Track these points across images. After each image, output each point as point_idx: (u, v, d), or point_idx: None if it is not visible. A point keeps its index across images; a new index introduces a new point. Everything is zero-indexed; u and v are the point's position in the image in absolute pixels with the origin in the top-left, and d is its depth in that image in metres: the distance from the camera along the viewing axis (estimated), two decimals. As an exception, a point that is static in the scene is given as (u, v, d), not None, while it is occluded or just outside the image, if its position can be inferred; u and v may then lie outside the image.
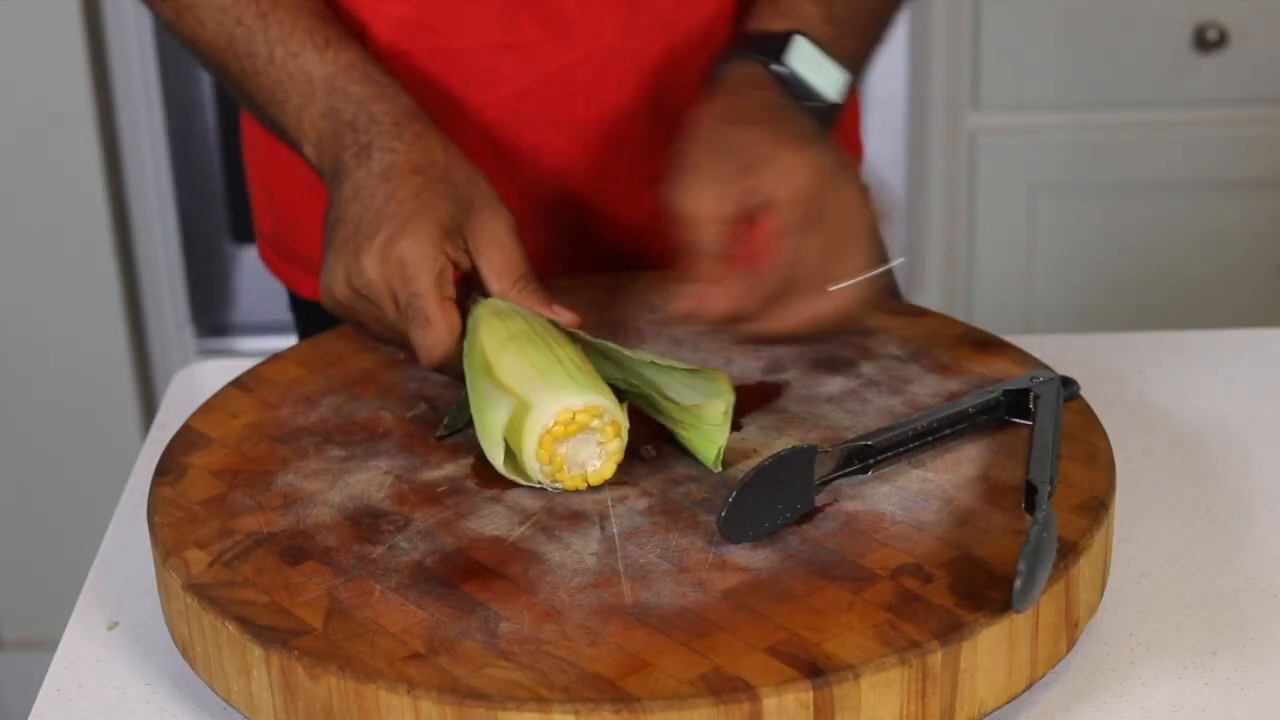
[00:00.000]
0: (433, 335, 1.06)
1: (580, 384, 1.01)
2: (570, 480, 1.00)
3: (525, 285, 1.08)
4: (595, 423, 1.00)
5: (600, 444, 1.00)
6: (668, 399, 1.05)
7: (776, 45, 1.16)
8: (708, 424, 1.03)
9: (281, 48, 1.17)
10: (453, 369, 1.07)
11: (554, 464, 1.00)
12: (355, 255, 1.08)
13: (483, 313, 1.07)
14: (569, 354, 1.04)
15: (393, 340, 1.11)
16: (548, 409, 1.00)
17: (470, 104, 1.25)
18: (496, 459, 1.02)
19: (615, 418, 1.01)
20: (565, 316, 1.07)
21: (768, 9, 1.19)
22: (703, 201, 1.04)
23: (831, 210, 1.04)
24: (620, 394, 1.05)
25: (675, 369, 1.06)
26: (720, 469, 1.02)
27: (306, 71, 1.16)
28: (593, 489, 1.01)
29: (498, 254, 1.09)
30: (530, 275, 1.09)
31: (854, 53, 1.20)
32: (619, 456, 1.01)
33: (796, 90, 1.14)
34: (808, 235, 1.03)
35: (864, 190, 1.05)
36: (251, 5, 1.17)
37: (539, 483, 1.01)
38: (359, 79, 1.15)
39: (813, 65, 1.15)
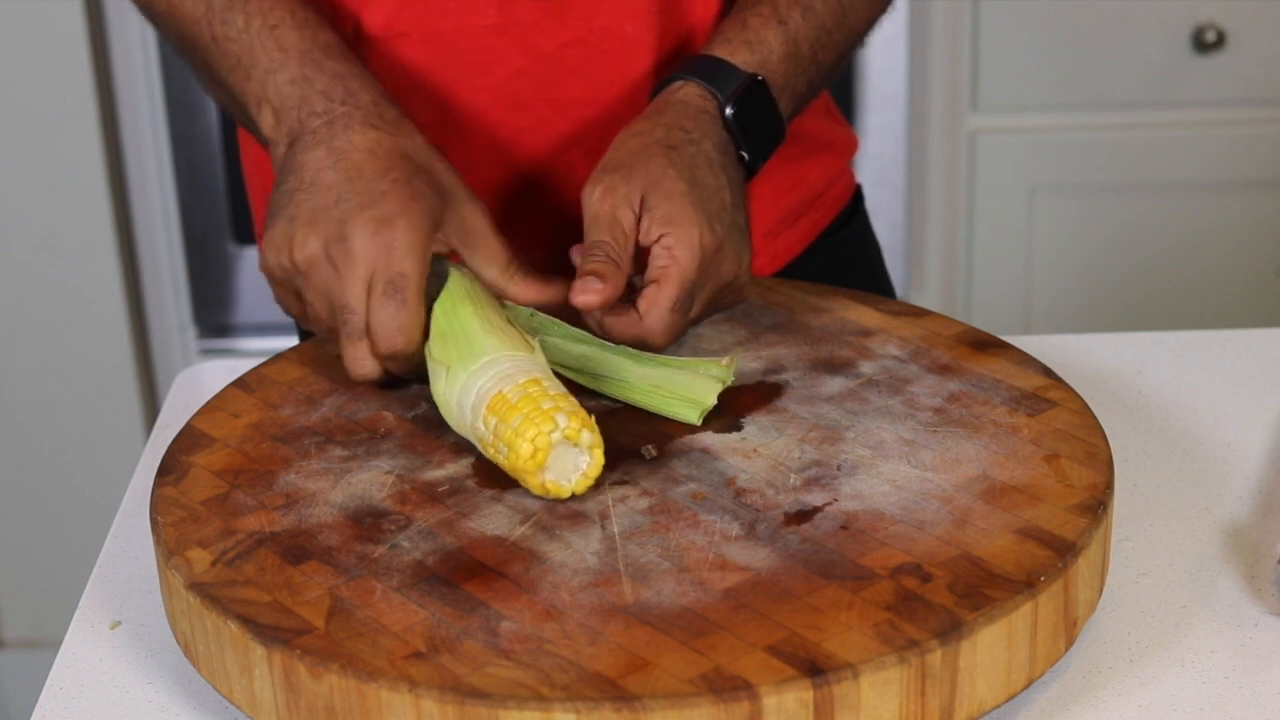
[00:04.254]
0: (404, 318, 1.06)
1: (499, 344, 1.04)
2: (572, 489, 1.00)
3: (515, 270, 1.11)
4: (559, 421, 0.99)
5: (574, 445, 1.00)
6: (649, 365, 1.10)
7: (734, 84, 1.17)
8: (708, 372, 1.09)
9: (260, 19, 1.17)
10: (403, 362, 1.08)
11: (550, 491, 1.00)
12: (340, 222, 1.07)
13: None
14: (486, 316, 1.06)
15: (320, 324, 1.10)
16: (478, 379, 1.03)
17: (466, 85, 1.25)
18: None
19: (536, 375, 1.02)
20: (552, 292, 1.11)
21: (734, 29, 1.20)
22: (608, 205, 1.11)
23: (710, 280, 1.12)
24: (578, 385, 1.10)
25: (661, 361, 1.11)
26: (699, 422, 1.08)
27: (282, 42, 1.16)
28: (594, 488, 1.01)
29: (483, 245, 1.11)
30: (516, 261, 1.11)
31: (803, 95, 1.23)
32: (599, 443, 1.00)
33: (735, 139, 1.17)
34: (685, 294, 1.10)
35: (743, 255, 1.14)
36: None
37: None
38: (336, 56, 1.15)
39: (758, 121, 1.18)
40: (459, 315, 1.06)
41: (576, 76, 1.25)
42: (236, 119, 1.22)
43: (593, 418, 1.01)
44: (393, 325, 1.06)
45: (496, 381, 1.02)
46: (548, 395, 1.01)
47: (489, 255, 1.11)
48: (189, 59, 1.23)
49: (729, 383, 1.10)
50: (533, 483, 1.00)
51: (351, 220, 1.07)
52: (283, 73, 1.15)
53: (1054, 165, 2.32)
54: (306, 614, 0.92)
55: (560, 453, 0.99)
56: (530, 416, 0.99)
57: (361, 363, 1.08)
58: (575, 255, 1.14)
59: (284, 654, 0.89)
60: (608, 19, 1.24)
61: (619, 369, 1.10)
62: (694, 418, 1.08)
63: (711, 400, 1.08)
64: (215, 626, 0.93)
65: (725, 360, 1.11)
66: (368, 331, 1.07)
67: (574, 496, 1.00)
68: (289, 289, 1.11)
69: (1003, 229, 2.35)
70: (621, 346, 1.11)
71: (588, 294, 1.08)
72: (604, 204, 1.11)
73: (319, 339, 1.18)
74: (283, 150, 1.13)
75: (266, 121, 1.15)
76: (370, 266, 1.06)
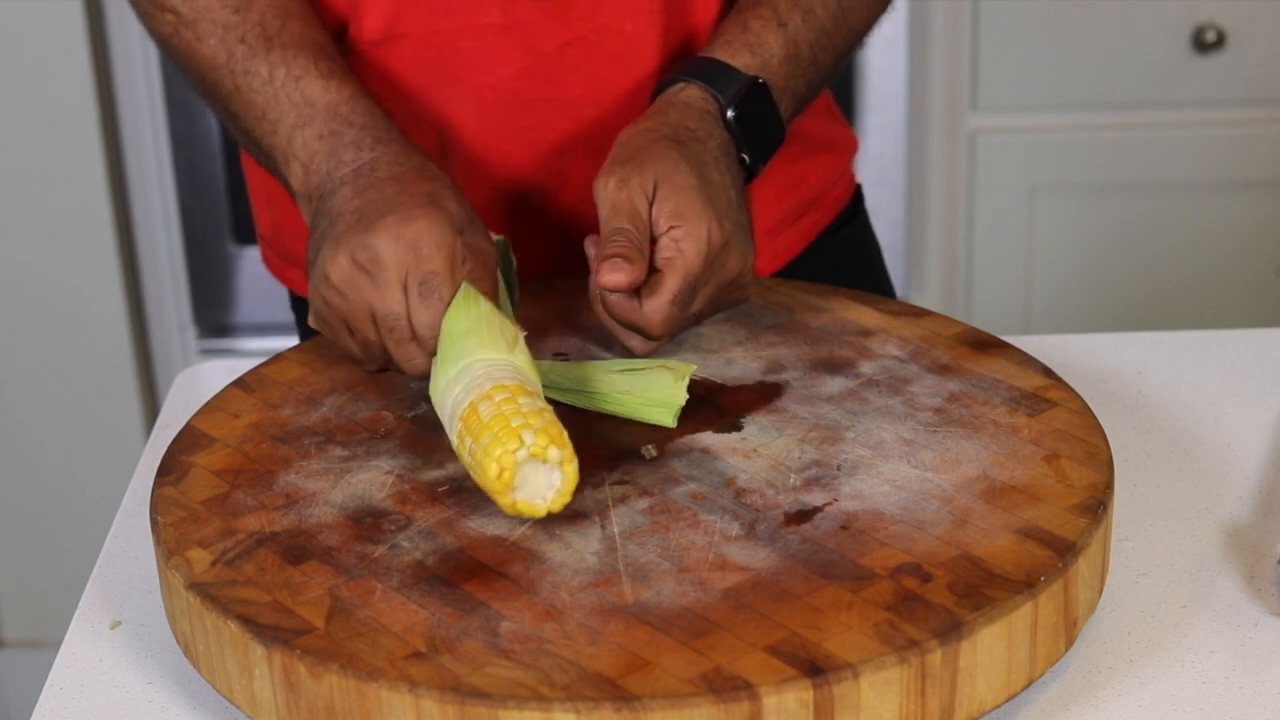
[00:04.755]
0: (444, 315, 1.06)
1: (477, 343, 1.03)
2: (548, 508, 0.98)
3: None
4: (525, 438, 0.97)
5: (543, 462, 0.97)
6: (615, 371, 1.10)
7: (735, 87, 1.17)
8: (671, 370, 1.09)
9: (283, 70, 1.17)
10: None
11: (523, 511, 0.97)
12: (364, 233, 1.08)
13: None
14: (473, 313, 1.05)
15: (373, 349, 1.10)
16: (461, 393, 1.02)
17: (469, 85, 1.25)
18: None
19: (506, 382, 1.01)
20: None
21: (734, 31, 1.20)
22: (625, 194, 1.11)
23: (714, 276, 1.12)
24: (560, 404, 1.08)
25: (624, 366, 1.11)
26: (675, 424, 1.08)
27: (308, 96, 1.16)
28: (593, 489, 1.01)
29: (482, 273, 1.09)
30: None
31: (803, 97, 1.24)
32: (570, 458, 0.97)
33: (736, 140, 1.18)
34: (687, 287, 1.10)
35: (748, 254, 1.14)
36: (256, 27, 1.18)
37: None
38: (362, 111, 1.16)
39: (758, 123, 1.19)
40: (454, 319, 1.06)
41: (578, 76, 1.25)
42: (261, 164, 1.21)
43: (566, 433, 0.98)
44: (436, 326, 1.06)
45: (466, 391, 1.02)
46: (519, 412, 0.99)
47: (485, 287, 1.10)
48: (209, 101, 1.22)
49: (692, 373, 1.10)
50: (503, 503, 0.97)
51: (374, 228, 1.08)
52: (310, 128, 1.15)
53: (1054, 165, 2.32)
54: (306, 614, 0.92)
55: (530, 471, 0.97)
56: (498, 435, 0.97)
57: (415, 363, 1.08)
58: (590, 246, 1.14)
59: (284, 654, 0.89)
60: (609, 17, 1.24)
61: (586, 380, 1.10)
62: (669, 420, 1.07)
63: (682, 398, 1.08)
64: (215, 626, 0.93)
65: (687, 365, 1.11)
66: (413, 334, 1.07)
67: (570, 499, 1.00)
68: (338, 324, 1.10)
69: (1003, 229, 2.35)
70: (582, 362, 1.12)
71: (616, 273, 1.08)
72: (621, 193, 1.11)
73: (319, 339, 1.18)
74: (315, 205, 1.14)
75: (295, 176, 1.16)
76: (402, 268, 1.07)
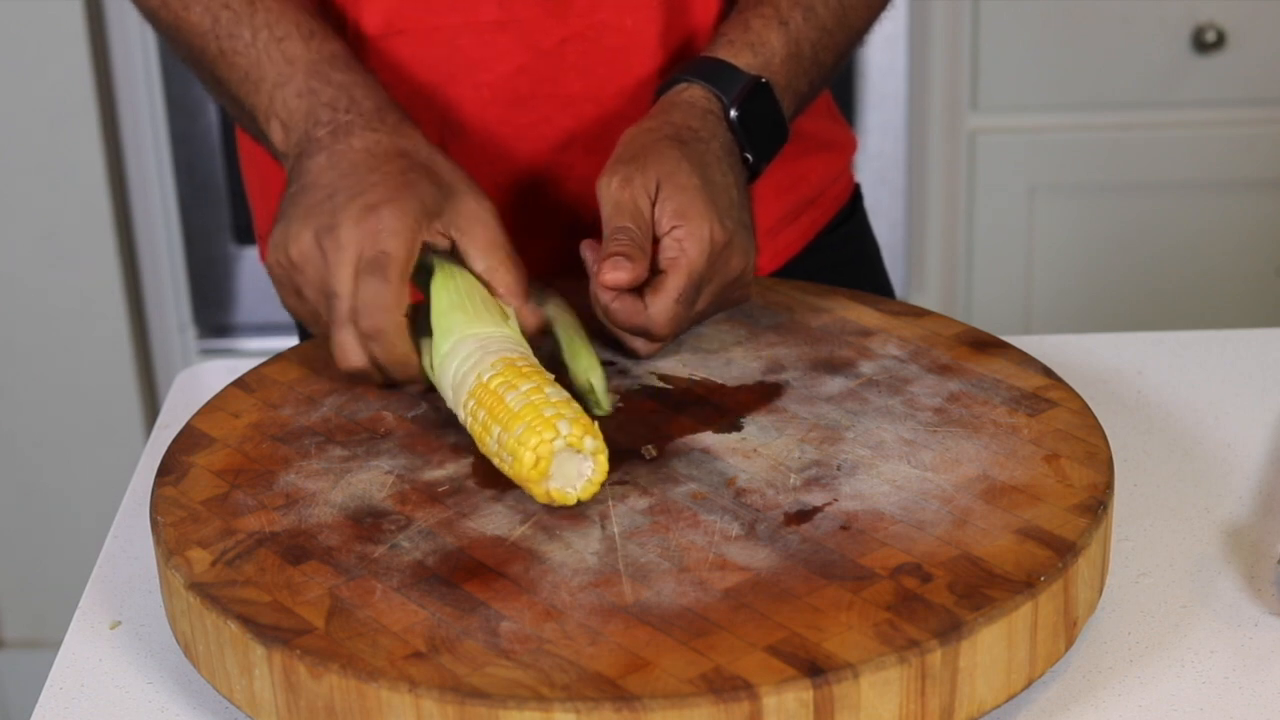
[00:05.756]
0: (386, 295, 1.06)
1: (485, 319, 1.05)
2: (578, 496, 0.99)
3: (508, 263, 1.10)
4: (561, 428, 0.98)
5: (578, 452, 0.99)
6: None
7: (738, 86, 1.18)
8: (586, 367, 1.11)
9: (266, 32, 1.17)
10: (386, 348, 1.07)
11: (555, 499, 0.99)
12: (331, 213, 1.08)
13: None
14: (459, 290, 1.06)
15: (319, 321, 1.10)
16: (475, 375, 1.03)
17: (467, 82, 1.26)
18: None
19: (510, 356, 1.02)
20: (530, 320, 1.10)
21: (736, 30, 1.21)
22: (628, 194, 1.11)
23: (717, 275, 1.13)
24: None
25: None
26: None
27: (289, 55, 1.17)
28: (593, 489, 1.01)
29: (481, 232, 1.10)
30: (513, 255, 1.11)
31: (805, 95, 1.24)
32: (603, 448, 0.99)
33: (739, 140, 1.18)
34: (691, 286, 1.11)
35: (750, 253, 1.15)
36: None
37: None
38: (341, 67, 1.16)
39: (761, 122, 1.19)
40: (437, 295, 1.06)
41: (577, 73, 1.26)
42: (247, 130, 1.22)
43: (596, 424, 1.01)
44: (375, 302, 1.06)
45: (467, 364, 1.03)
46: (549, 402, 1.00)
47: (486, 242, 1.10)
48: (196, 71, 1.23)
49: (600, 373, 1.11)
50: (537, 491, 0.99)
51: (341, 210, 1.08)
52: (290, 86, 1.16)
53: (1054, 165, 2.32)
54: (306, 614, 0.92)
55: (564, 460, 0.98)
56: (532, 425, 0.99)
57: (348, 350, 1.08)
58: (586, 251, 1.14)
59: (284, 654, 0.89)
60: (607, 14, 1.24)
61: None
62: (603, 407, 1.09)
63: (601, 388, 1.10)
64: (215, 626, 0.93)
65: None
66: (353, 314, 1.07)
67: (599, 489, 1.00)
68: (290, 287, 1.11)
69: (1003, 229, 2.35)
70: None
71: (618, 272, 1.08)
72: (624, 193, 1.11)
73: (320, 339, 1.18)
74: (292, 162, 1.14)
75: (276, 135, 1.16)
76: (358, 251, 1.07)
